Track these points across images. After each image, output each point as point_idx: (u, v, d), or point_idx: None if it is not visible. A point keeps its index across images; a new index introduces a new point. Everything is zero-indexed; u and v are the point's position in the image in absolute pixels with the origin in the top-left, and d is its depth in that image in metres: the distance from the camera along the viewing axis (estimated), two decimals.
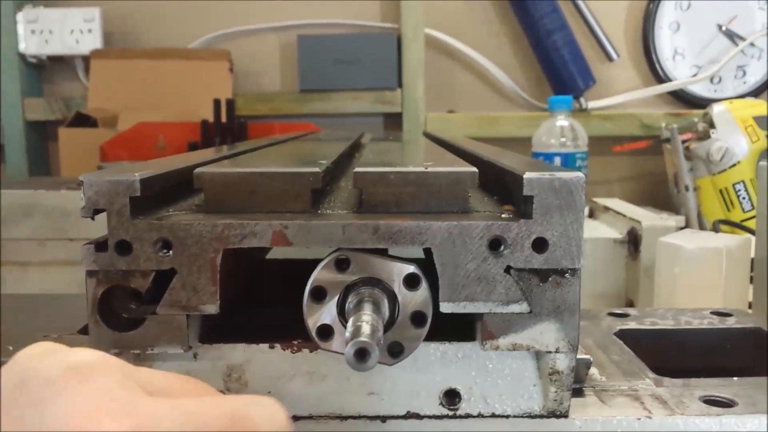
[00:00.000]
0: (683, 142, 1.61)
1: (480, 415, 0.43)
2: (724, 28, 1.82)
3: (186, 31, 1.79)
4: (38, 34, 1.74)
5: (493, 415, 0.43)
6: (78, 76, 1.82)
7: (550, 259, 0.40)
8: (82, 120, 1.58)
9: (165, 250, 0.40)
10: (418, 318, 0.40)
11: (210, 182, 0.42)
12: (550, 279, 0.40)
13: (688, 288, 0.80)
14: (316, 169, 0.43)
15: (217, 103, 1.49)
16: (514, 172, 0.41)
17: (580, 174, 0.39)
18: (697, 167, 1.60)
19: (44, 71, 1.85)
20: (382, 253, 0.41)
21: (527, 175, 0.39)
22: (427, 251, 0.41)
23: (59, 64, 1.83)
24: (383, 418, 0.44)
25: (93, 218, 0.40)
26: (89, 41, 1.73)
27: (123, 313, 0.41)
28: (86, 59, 1.76)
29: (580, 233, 0.40)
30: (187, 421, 0.27)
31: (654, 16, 1.81)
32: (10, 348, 0.54)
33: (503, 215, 0.41)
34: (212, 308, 0.40)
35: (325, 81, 1.74)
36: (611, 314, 0.66)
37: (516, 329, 0.41)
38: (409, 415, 0.44)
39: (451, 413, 0.43)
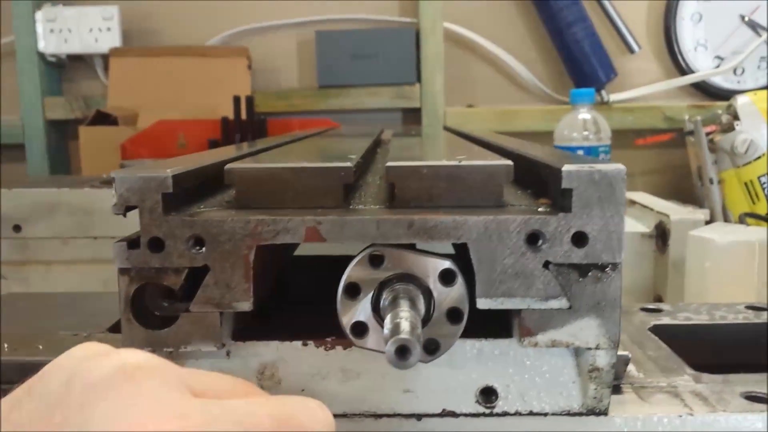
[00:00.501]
0: (707, 134, 1.59)
1: (517, 413, 0.43)
2: (746, 19, 1.80)
3: (204, 29, 1.79)
4: (57, 33, 1.75)
5: (531, 413, 0.43)
6: (97, 75, 1.82)
7: (590, 253, 0.39)
8: (103, 118, 1.58)
9: (198, 247, 0.39)
10: (454, 314, 0.39)
11: (241, 178, 0.41)
12: (590, 274, 0.39)
13: (719, 282, 0.78)
14: (348, 164, 0.42)
15: (236, 99, 1.49)
16: (552, 165, 0.41)
17: (620, 166, 0.38)
18: (721, 160, 1.58)
19: (64, 70, 1.86)
20: (413, 248, 0.40)
21: (566, 168, 0.38)
22: (460, 246, 0.40)
23: (78, 62, 1.84)
24: (418, 416, 0.43)
25: (125, 215, 0.39)
26: (108, 39, 1.73)
27: (155, 311, 0.41)
28: (105, 58, 1.77)
29: (620, 227, 0.39)
30: (237, 422, 0.27)
31: (676, 7, 1.78)
32: (40, 347, 0.53)
33: (540, 209, 0.40)
34: (246, 305, 0.40)
35: (343, 77, 1.73)
36: (644, 309, 0.65)
37: (555, 325, 0.40)
38: (444, 413, 0.43)
39: (487, 411, 0.43)
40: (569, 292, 0.39)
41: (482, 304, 0.39)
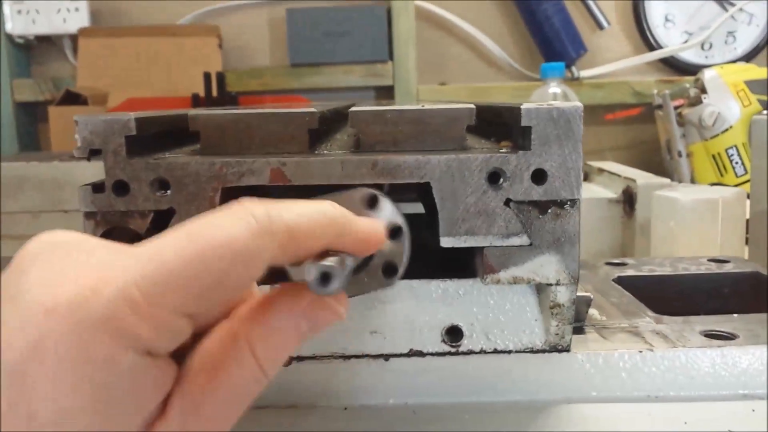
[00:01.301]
0: (675, 108, 1.61)
1: (482, 351, 0.44)
2: None
3: (174, 8, 1.77)
4: (25, 15, 1.72)
5: (495, 351, 0.44)
6: (66, 56, 1.80)
7: (550, 190, 0.40)
8: (72, 98, 1.57)
9: (163, 190, 0.39)
10: (394, 232, 0.37)
11: (205, 125, 0.42)
12: (549, 211, 0.40)
13: (684, 241, 0.80)
14: (312, 109, 0.42)
15: (207, 76, 1.48)
16: (512, 106, 0.41)
17: (578, 104, 0.39)
18: (689, 133, 1.60)
19: (32, 52, 1.84)
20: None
21: (525, 106, 0.39)
22: (425, 188, 0.41)
23: (47, 44, 1.82)
24: (386, 357, 0.44)
25: (89, 159, 0.39)
26: (77, 20, 1.71)
27: None
28: (74, 38, 1.75)
29: (578, 163, 0.40)
30: (163, 262, 0.26)
31: None
32: None
33: (501, 150, 0.41)
34: None
35: (315, 54, 1.73)
36: (609, 263, 0.66)
37: (516, 262, 0.41)
38: (412, 353, 0.44)
39: (453, 350, 0.44)
40: (530, 229, 0.40)
41: (446, 242, 0.40)
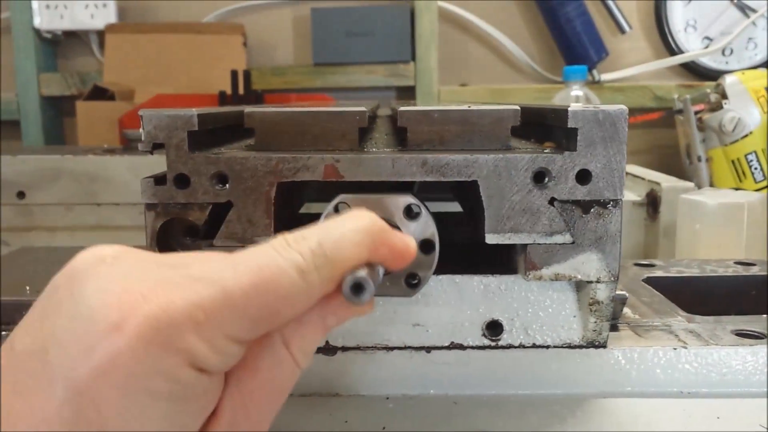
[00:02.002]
0: (695, 113, 1.62)
1: (521, 346, 0.45)
2: (735, 0, 1.82)
3: (200, 6, 1.80)
4: (53, 9, 1.75)
5: (534, 346, 0.45)
6: (92, 51, 1.83)
7: (593, 190, 0.41)
8: (100, 93, 1.59)
9: (221, 184, 0.41)
10: (426, 246, 0.40)
11: (261, 121, 0.43)
12: (592, 210, 0.42)
13: (709, 244, 0.81)
14: (363, 108, 0.44)
15: (234, 74, 1.50)
16: (558, 108, 0.43)
17: (623, 107, 0.41)
18: (709, 138, 1.61)
19: (59, 46, 1.86)
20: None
21: (572, 108, 0.40)
22: (467, 187, 0.42)
23: (73, 39, 1.84)
24: (428, 349, 0.45)
25: (152, 153, 0.41)
26: (104, 16, 1.74)
27: (179, 249, 0.43)
28: (101, 34, 1.77)
29: (622, 165, 0.41)
30: (214, 281, 0.28)
31: None
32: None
33: (546, 151, 0.43)
34: (267, 240, 0.41)
35: (339, 54, 1.74)
36: (637, 264, 0.67)
37: (558, 259, 0.42)
38: (452, 346, 0.45)
39: (493, 344, 0.45)
40: (572, 227, 0.42)
41: (491, 239, 0.42)
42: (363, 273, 0.32)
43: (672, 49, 1.83)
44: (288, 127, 0.43)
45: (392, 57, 1.76)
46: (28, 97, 1.78)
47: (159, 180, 0.41)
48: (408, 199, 0.40)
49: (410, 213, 0.40)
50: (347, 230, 0.33)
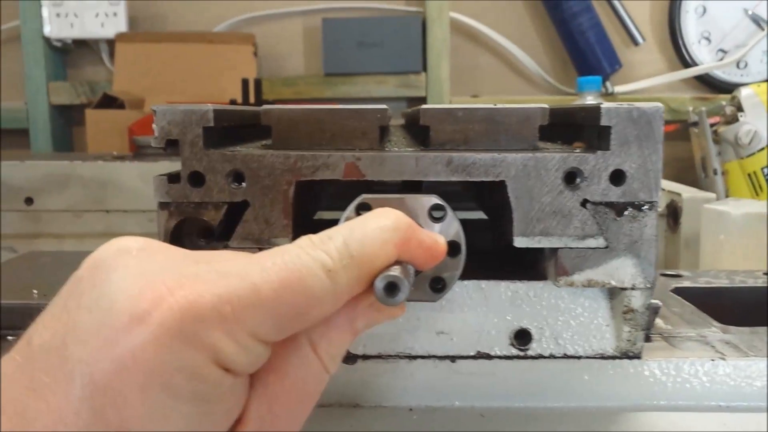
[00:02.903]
0: (711, 126, 1.60)
1: (551, 356, 0.43)
2: (750, 13, 1.81)
3: (211, 15, 1.79)
4: (63, 18, 1.75)
5: (565, 356, 0.43)
6: (102, 60, 1.82)
7: (628, 191, 0.39)
8: (109, 102, 1.58)
9: (237, 183, 0.39)
10: (452, 248, 0.37)
11: (278, 119, 0.42)
12: (626, 212, 0.39)
13: (733, 254, 0.79)
14: (384, 106, 0.42)
15: (245, 82, 1.49)
16: (589, 106, 0.41)
17: (659, 104, 0.39)
18: (725, 151, 1.59)
19: (69, 55, 1.86)
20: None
21: (605, 105, 0.38)
22: (492, 188, 0.40)
23: (83, 48, 1.84)
24: (453, 358, 0.43)
25: (165, 149, 0.39)
26: (114, 25, 1.74)
27: (193, 249, 0.41)
28: (111, 43, 1.77)
29: (658, 165, 0.39)
30: (244, 276, 0.27)
31: (680, 0, 1.79)
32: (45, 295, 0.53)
33: (577, 150, 0.41)
34: (285, 242, 0.40)
35: (350, 64, 1.73)
36: (663, 275, 0.65)
37: (591, 265, 0.40)
38: (479, 356, 0.43)
39: (521, 354, 0.43)
40: (606, 231, 0.40)
41: (519, 242, 0.40)
42: (396, 272, 0.30)
43: (686, 62, 1.81)
44: (306, 126, 0.41)
45: (403, 67, 1.75)
46: (38, 106, 1.77)
47: (173, 178, 0.39)
48: (432, 200, 0.38)
49: (435, 214, 0.38)
50: (373, 228, 0.31)
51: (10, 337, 0.48)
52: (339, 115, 0.42)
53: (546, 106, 0.41)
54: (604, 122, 0.39)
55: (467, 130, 0.41)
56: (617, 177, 0.39)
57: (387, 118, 0.42)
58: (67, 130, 1.86)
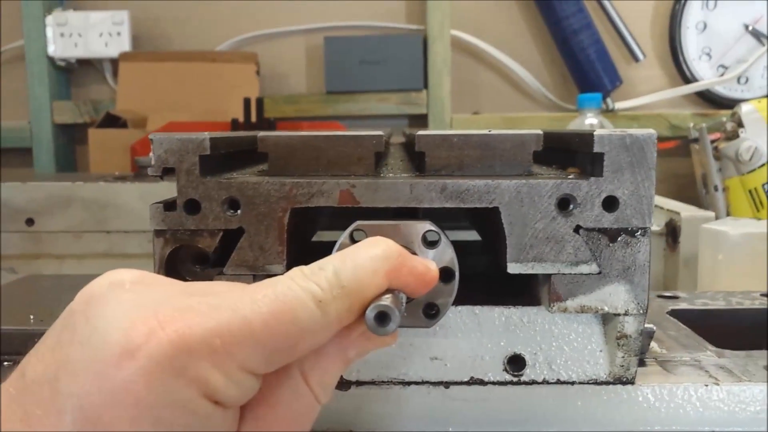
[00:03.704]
0: (711, 142, 1.60)
1: (545, 381, 0.43)
2: (750, 28, 1.81)
3: (213, 34, 1.80)
4: (67, 38, 1.76)
5: (558, 381, 0.43)
6: (106, 80, 1.84)
7: (621, 218, 0.39)
8: (112, 121, 1.59)
9: (233, 210, 0.40)
10: (445, 274, 0.38)
11: (275, 146, 0.42)
12: (619, 239, 0.40)
13: (731, 275, 0.79)
14: (380, 132, 0.42)
15: (247, 101, 1.50)
16: (582, 132, 0.41)
17: (651, 131, 0.39)
18: (725, 167, 1.59)
19: (73, 74, 1.87)
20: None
21: (598, 132, 0.39)
22: (484, 215, 0.41)
23: (87, 67, 1.85)
24: (446, 384, 0.43)
25: (162, 178, 0.40)
26: (118, 44, 1.75)
27: (187, 277, 0.41)
28: (114, 63, 1.78)
29: (651, 191, 0.39)
30: (235, 309, 0.27)
31: (680, 16, 1.80)
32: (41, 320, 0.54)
33: (570, 177, 0.41)
34: (279, 268, 0.40)
35: (351, 82, 1.74)
36: (660, 296, 0.65)
37: (584, 291, 0.40)
38: (472, 381, 0.43)
39: (515, 379, 0.43)
40: (599, 257, 0.40)
41: (513, 268, 0.40)
42: (387, 301, 0.30)
43: (686, 78, 1.82)
44: (302, 152, 0.42)
45: (405, 85, 1.75)
46: (41, 125, 1.78)
47: (168, 206, 0.40)
48: (426, 226, 0.38)
49: (429, 240, 0.38)
50: (364, 258, 0.31)
51: (6, 363, 0.48)
52: (335, 142, 0.42)
53: (540, 131, 0.42)
54: (597, 149, 0.39)
55: (462, 156, 0.42)
56: (610, 203, 0.39)
57: (382, 144, 0.42)
58: (70, 148, 1.87)
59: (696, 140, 1.61)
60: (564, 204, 0.39)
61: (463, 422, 0.43)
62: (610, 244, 0.40)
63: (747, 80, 1.83)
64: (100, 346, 0.26)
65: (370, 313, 0.30)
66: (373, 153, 0.42)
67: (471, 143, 0.42)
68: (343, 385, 0.43)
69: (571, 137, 0.44)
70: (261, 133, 0.42)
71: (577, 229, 0.39)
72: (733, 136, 1.56)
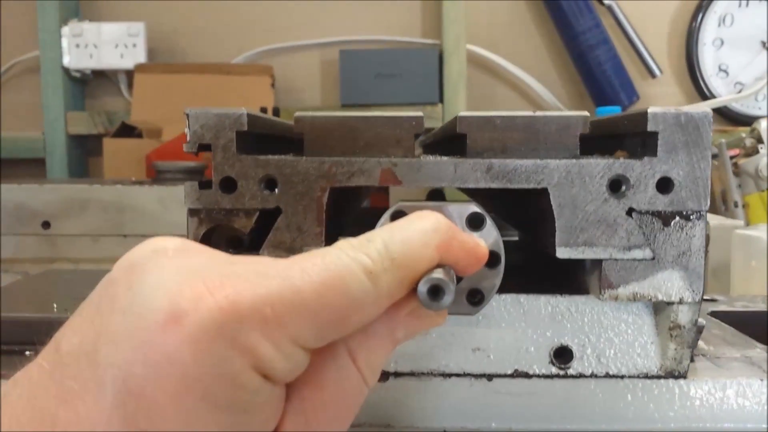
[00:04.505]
0: (731, 158, 1.58)
1: (593, 375, 0.41)
2: (767, 45, 1.80)
3: (229, 47, 1.80)
4: (82, 49, 1.76)
5: (607, 375, 0.41)
6: (120, 91, 1.83)
7: (676, 200, 0.38)
8: (127, 131, 1.59)
9: (270, 189, 0.38)
10: (491, 257, 0.35)
11: (311, 126, 0.40)
12: (674, 222, 0.38)
13: (764, 280, 0.76)
14: (419, 113, 0.41)
15: (263, 111, 1.49)
16: (633, 112, 0.40)
17: (707, 109, 0.37)
18: (745, 183, 1.57)
19: (87, 85, 1.87)
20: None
21: (651, 110, 0.37)
22: (530, 197, 0.39)
23: (102, 78, 1.85)
24: (489, 377, 0.41)
25: (197, 153, 0.38)
26: (133, 56, 1.75)
27: None
28: (129, 74, 1.78)
29: (707, 173, 0.37)
30: (285, 277, 0.26)
31: (697, 32, 1.79)
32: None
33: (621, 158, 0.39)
34: None
35: (366, 96, 1.73)
36: None
37: (637, 277, 0.38)
38: (516, 374, 0.41)
39: (562, 372, 0.41)
40: (652, 241, 0.38)
41: (562, 253, 0.38)
42: (440, 274, 0.28)
43: (704, 94, 1.80)
44: (339, 133, 0.40)
45: (420, 99, 1.74)
46: (55, 136, 1.78)
47: (204, 184, 0.38)
48: (471, 207, 0.36)
49: (474, 223, 0.36)
50: (413, 231, 0.30)
51: (27, 352, 0.47)
52: (373, 123, 0.40)
53: (587, 113, 0.40)
54: (650, 128, 0.37)
55: (505, 139, 0.40)
56: (664, 185, 0.37)
57: (422, 126, 0.41)
58: (83, 160, 1.87)
59: (715, 156, 1.59)
60: (616, 185, 0.38)
61: (507, 417, 0.41)
62: (665, 228, 0.38)
63: (764, 96, 1.82)
64: (143, 314, 0.24)
65: (423, 287, 0.29)
66: (412, 135, 0.40)
67: (515, 125, 0.40)
68: (382, 376, 0.41)
69: (619, 119, 0.42)
70: (297, 113, 0.41)
71: (629, 211, 0.38)
72: (752, 151, 1.55)
